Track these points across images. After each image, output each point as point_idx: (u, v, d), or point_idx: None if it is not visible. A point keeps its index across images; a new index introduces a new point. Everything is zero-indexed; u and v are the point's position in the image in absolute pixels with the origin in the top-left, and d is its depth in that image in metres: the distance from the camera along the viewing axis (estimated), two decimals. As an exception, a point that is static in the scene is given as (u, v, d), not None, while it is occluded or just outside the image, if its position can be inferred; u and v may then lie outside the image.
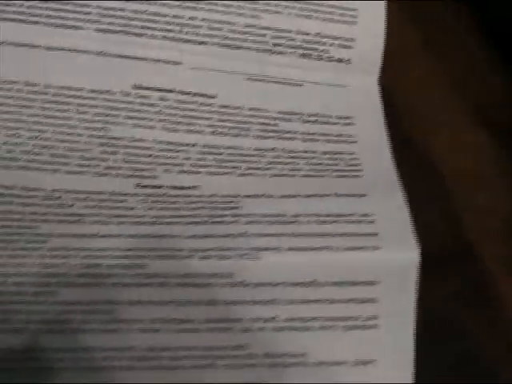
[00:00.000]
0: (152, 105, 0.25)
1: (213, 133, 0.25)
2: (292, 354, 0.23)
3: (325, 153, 0.26)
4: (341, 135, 0.26)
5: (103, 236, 0.23)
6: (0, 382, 0.21)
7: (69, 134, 0.24)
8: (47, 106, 0.25)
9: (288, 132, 0.26)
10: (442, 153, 0.27)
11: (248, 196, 0.24)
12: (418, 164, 0.27)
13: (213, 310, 0.23)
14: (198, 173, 0.25)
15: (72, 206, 0.23)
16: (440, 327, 0.25)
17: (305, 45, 0.27)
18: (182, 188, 0.24)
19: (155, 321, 0.22)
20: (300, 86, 0.27)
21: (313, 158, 0.26)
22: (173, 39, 0.26)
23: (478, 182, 0.27)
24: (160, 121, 0.25)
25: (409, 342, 0.23)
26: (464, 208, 0.26)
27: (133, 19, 0.26)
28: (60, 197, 0.23)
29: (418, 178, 0.26)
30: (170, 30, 0.26)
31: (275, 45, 0.27)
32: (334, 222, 0.24)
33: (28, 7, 0.25)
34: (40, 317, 0.22)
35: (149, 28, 0.26)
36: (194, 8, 0.26)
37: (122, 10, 0.26)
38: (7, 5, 0.24)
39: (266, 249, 0.23)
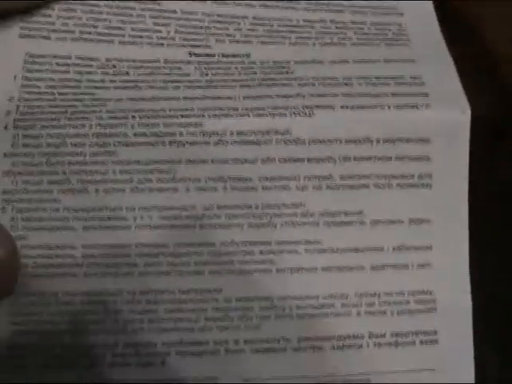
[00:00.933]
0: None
1: (262, 5, 0.26)
2: (348, 212, 0.23)
3: (373, 23, 0.26)
4: (387, 7, 0.27)
5: (159, 99, 0.23)
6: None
7: (122, 8, 0.25)
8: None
9: (336, 5, 0.26)
10: (493, 24, 0.27)
11: (299, 62, 0.25)
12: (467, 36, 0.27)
13: (268, 167, 0.23)
14: (250, 42, 0.25)
15: (127, 73, 0.24)
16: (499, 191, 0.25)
17: None
18: (234, 56, 0.25)
19: (211, 179, 0.23)
20: None
21: (361, 28, 0.26)
22: None
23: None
24: None
25: (463, 202, 0.24)
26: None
27: None
28: (115, 65, 0.24)
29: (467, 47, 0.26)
30: None
31: None
32: (385, 83, 0.24)
33: None
34: (101, 177, 0.22)
35: None
36: None
37: None
38: None
39: (320, 107, 0.23)
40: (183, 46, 0.25)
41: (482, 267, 0.24)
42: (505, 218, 0.25)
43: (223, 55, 0.25)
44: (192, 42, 0.25)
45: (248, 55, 0.25)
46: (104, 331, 0.22)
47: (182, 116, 0.23)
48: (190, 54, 0.25)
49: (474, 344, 0.23)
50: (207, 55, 0.25)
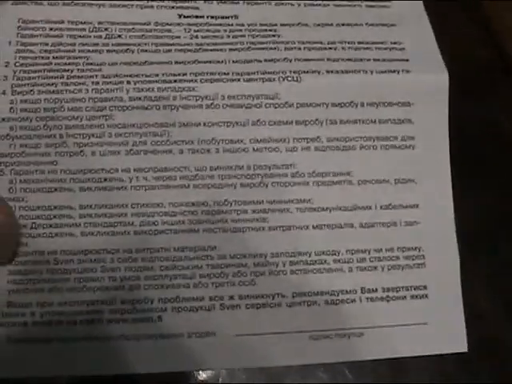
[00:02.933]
0: None
1: None
2: (337, 173, 0.24)
3: None
4: None
5: (152, 63, 0.24)
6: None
7: None
8: None
9: None
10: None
11: (285, 24, 0.26)
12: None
13: (259, 130, 0.24)
14: (237, 3, 0.26)
15: (119, 36, 0.25)
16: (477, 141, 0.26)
17: None
18: (222, 17, 0.26)
19: (204, 141, 0.24)
20: None
21: None
22: None
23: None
24: None
25: (445, 163, 0.25)
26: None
27: None
28: (107, 28, 0.25)
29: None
30: None
31: None
32: (368, 48, 0.26)
33: None
34: (97, 140, 0.24)
35: None
36: None
37: None
38: None
39: (307, 72, 0.25)
40: (172, 7, 0.26)
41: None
42: (481, 164, 0.26)
43: (211, 17, 0.26)
44: (180, 4, 0.26)
45: (236, 17, 0.26)
46: (101, 288, 0.23)
47: (175, 81, 0.24)
48: (180, 16, 0.26)
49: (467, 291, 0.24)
50: (196, 17, 0.26)
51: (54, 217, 0.23)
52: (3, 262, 0.22)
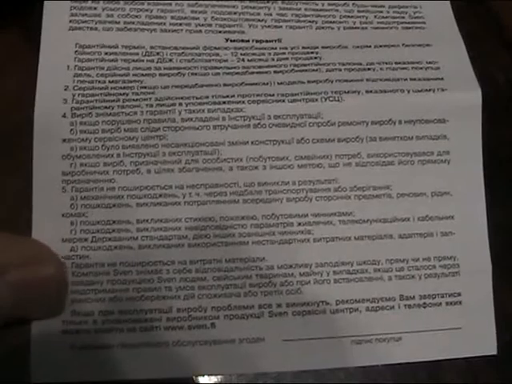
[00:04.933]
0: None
1: None
2: (376, 187, 0.27)
3: (391, 6, 0.29)
4: None
5: (202, 86, 0.26)
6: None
7: None
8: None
9: None
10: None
11: (326, 47, 0.28)
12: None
13: (303, 147, 0.26)
14: (280, 27, 0.28)
15: (171, 60, 0.27)
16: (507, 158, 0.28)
17: None
18: (266, 41, 0.28)
19: (252, 159, 0.26)
20: None
21: (380, 11, 0.29)
22: None
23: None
24: None
25: (479, 177, 0.27)
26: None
27: None
28: (159, 53, 0.27)
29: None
30: None
31: None
32: (404, 68, 0.28)
33: None
34: (152, 159, 0.26)
35: None
36: None
37: None
38: None
39: (347, 92, 0.27)
40: (219, 32, 0.28)
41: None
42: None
43: (256, 41, 0.28)
44: (227, 28, 0.28)
45: (279, 40, 0.28)
46: (158, 297, 0.25)
47: (224, 102, 0.26)
48: (226, 40, 0.28)
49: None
50: (242, 41, 0.28)
51: (113, 231, 0.25)
52: (45, 316, 0.24)
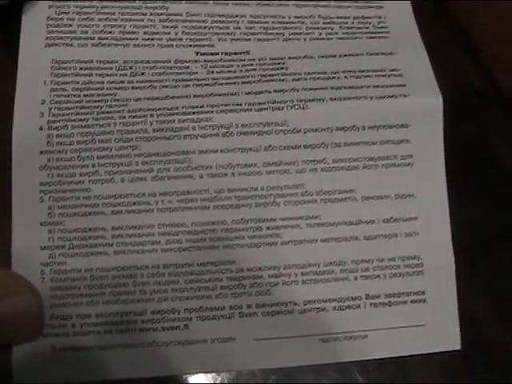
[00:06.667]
0: (203, -17, 0.31)
1: (258, 4, 0.30)
2: (342, 191, 0.28)
3: (355, 17, 0.31)
4: (368, 1, 0.31)
5: (173, 97, 0.28)
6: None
7: (134, 14, 0.29)
8: (112, -8, 0.30)
9: (323, 0, 0.31)
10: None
11: (292, 57, 0.29)
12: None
13: (270, 154, 0.28)
14: (248, 40, 0.30)
15: (143, 73, 0.29)
16: (470, 159, 0.30)
17: None
18: (235, 53, 0.29)
19: (222, 166, 0.27)
20: None
21: (345, 22, 0.30)
22: None
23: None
24: None
25: (441, 178, 0.29)
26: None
27: None
28: (131, 67, 0.29)
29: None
30: None
31: None
32: (368, 76, 0.29)
33: None
34: (125, 168, 0.27)
35: None
36: None
37: None
38: None
39: (312, 100, 0.28)
40: (190, 45, 0.30)
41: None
42: (473, 180, 0.30)
43: (226, 53, 0.30)
44: (198, 42, 0.30)
45: (248, 52, 0.30)
46: (133, 301, 0.27)
47: (194, 113, 0.28)
48: (197, 54, 0.29)
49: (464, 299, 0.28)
50: (212, 54, 0.29)
51: (90, 238, 0.27)
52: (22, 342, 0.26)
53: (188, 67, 0.29)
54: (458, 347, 0.28)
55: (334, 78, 0.29)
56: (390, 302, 0.28)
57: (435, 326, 0.28)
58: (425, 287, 0.28)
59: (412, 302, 0.28)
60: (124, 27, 0.29)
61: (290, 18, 0.31)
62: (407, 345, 0.27)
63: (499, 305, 0.28)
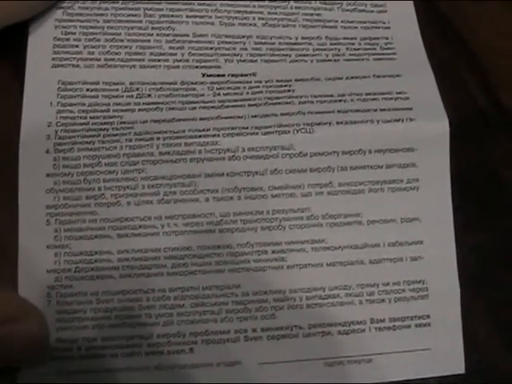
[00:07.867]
0: (209, 4, 0.30)
1: (264, 24, 0.30)
2: (347, 214, 0.28)
3: (363, 38, 0.31)
4: (375, 22, 0.31)
5: (179, 120, 0.28)
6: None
7: (140, 35, 0.29)
8: (119, 12, 0.30)
9: (330, 21, 0.31)
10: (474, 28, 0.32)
11: (299, 80, 0.29)
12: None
13: (276, 178, 0.28)
14: (255, 61, 0.30)
15: (149, 95, 0.29)
16: (476, 184, 0.30)
17: None
18: (241, 75, 0.29)
19: (227, 190, 0.28)
20: None
21: (352, 43, 0.30)
22: None
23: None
24: (217, 17, 0.30)
25: (447, 202, 0.29)
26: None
27: None
28: (138, 88, 0.29)
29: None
30: None
31: None
32: (375, 99, 0.29)
33: None
34: (131, 191, 0.27)
35: None
36: None
37: None
38: None
39: (319, 123, 0.28)
40: (196, 67, 0.30)
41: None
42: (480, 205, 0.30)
43: (232, 75, 0.30)
44: (204, 64, 0.30)
45: (254, 74, 0.30)
46: (139, 324, 0.27)
47: (200, 136, 0.28)
48: (203, 75, 0.29)
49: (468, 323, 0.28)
50: (218, 75, 0.30)
51: (96, 261, 0.27)
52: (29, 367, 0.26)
53: (194, 89, 0.29)
54: (462, 371, 0.28)
55: (340, 100, 0.29)
56: (394, 326, 0.28)
57: (439, 350, 0.28)
58: (429, 311, 0.28)
59: (416, 326, 0.28)
60: (130, 48, 0.29)
61: (296, 38, 0.31)
62: (411, 369, 0.28)
63: (503, 329, 0.29)
